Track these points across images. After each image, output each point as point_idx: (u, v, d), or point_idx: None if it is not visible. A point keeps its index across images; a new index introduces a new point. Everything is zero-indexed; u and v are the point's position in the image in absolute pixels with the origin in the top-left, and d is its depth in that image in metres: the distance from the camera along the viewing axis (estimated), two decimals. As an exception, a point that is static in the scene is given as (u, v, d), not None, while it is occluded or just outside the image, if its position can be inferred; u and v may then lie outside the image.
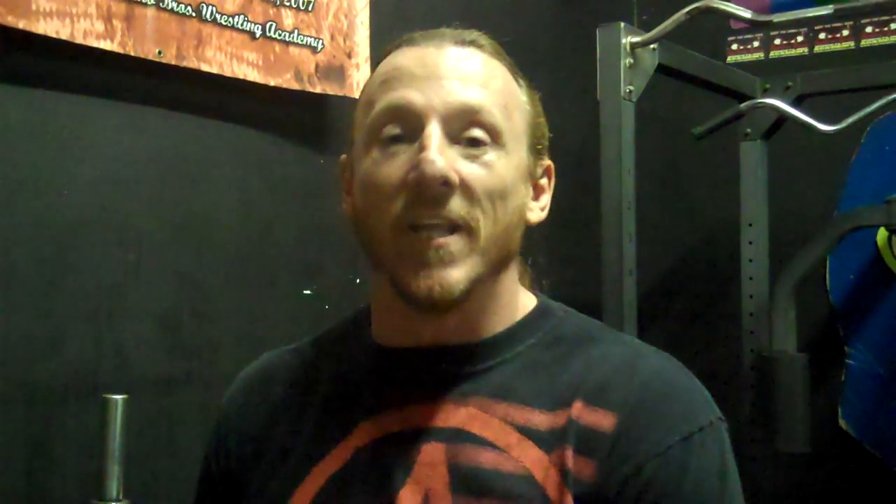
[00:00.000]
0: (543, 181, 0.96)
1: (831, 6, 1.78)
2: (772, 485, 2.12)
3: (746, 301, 2.19)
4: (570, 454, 0.82)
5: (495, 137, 0.87)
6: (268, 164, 1.67)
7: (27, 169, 1.33)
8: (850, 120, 1.92)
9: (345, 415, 0.91)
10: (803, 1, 2.23)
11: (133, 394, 1.30)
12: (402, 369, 0.92)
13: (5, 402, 1.29)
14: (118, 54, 1.40)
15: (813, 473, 2.23)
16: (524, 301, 0.96)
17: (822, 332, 2.28)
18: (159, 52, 1.45)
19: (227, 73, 1.54)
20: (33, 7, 1.29)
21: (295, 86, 1.65)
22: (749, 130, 2.19)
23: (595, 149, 1.79)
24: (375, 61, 0.96)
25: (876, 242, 2.21)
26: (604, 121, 1.77)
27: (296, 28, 1.65)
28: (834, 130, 1.92)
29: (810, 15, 1.92)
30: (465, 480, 0.83)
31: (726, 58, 2.46)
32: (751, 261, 2.20)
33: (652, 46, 1.79)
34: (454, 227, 0.84)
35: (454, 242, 0.83)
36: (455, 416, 0.87)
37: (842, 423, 2.24)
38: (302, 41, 1.66)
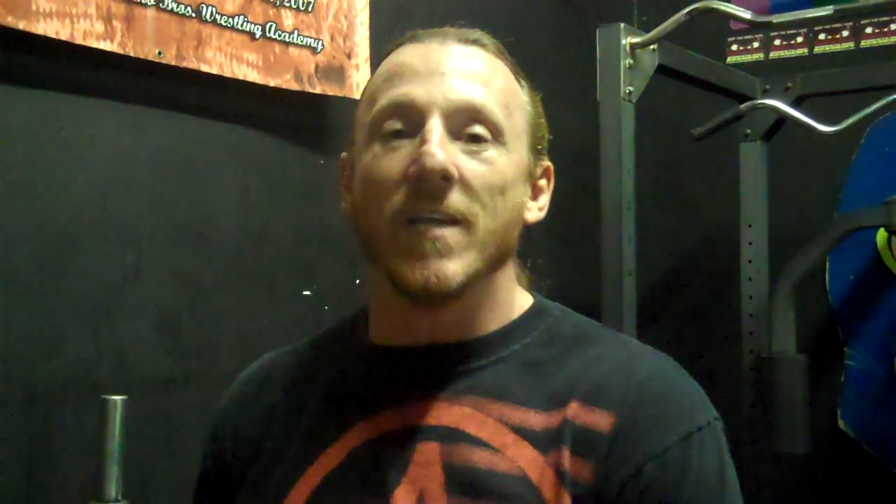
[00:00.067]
0: (542, 182, 0.96)
1: (831, 7, 1.78)
2: (771, 485, 2.12)
3: (746, 302, 2.19)
4: (566, 455, 0.82)
5: (496, 135, 0.87)
6: (267, 164, 1.67)
7: (27, 169, 1.33)
8: (850, 121, 1.93)
9: (341, 414, 0.91)
10: (803, 2, 2.23)
11: (132, 394, 1.30)
12: (397, 368, 0.92)
13: (4, 402, 1.29)
14: (118, 55, 1.40)
15: (812, 474, 2.23)
16: (520, 300, 0.96)
17: (821, 333, 2.29)
18: (159, 53, 1.45)
19: (227, 73, 1.54)
20: (33, 8, 1.29)
21: (295, 86, 1.65)
22: (749, 131, 2.19)
23: (595, 149, 1.79)
24: (375, 62, 0.96)
25: (875, 243, 2.21)
26: (604, 121, 1.77)
27: (295, 29, 1.65)
28: (834, 131, 1.92)
29: (810, 16, 1.93)
30: (460, 480, 0.83)
31: (726, 58, 2.46)
32: (750, 261, 2.20)
33: (652, 47, 1.79)
34: (452, 221, 0.84)
35: (451, 235, 0.83)
36: (450, 414, 0.87)
37: (841, 423, 2.24)
38: (302, 42, 1.66)
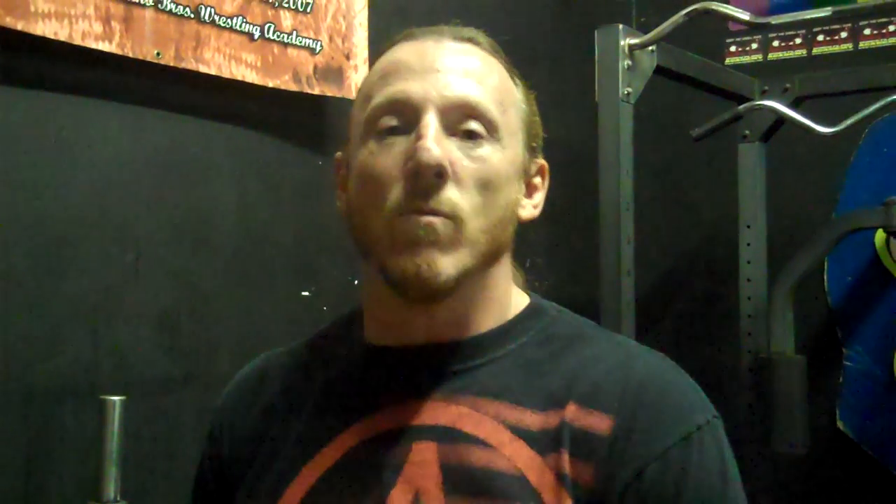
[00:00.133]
0: (537, 180, 0.97)
1: (829, 8, 1.78)
2: (769, 486, 2.12)
3: (744, 303, 2.19)
4: (565, 458, 0.82)
5: (491, 131, 0.88)
6: (266, 165, 1.67)
7: (25, 170, 1.33)
8: (849, 122, 1.93)
9: (336, 414, 0.91)
10: (801, 3, 2.24)
11: (131, 395, 1.30)
12: (393, 368, 0.92)
13: (3, 402, 1.29)
14: (117, 56, 1.40)
15: (811, 475, 2.23)
16: (516, 299, 0.96)
17: (820, 334, 2.29)
18: (158, 54, 1.45)
19: (226, 74, 1.54)
20: (32, 8, 1.29)
21: (293, 87, 1.65)
22: (747, 132, 2.19)
23: (593, 150, 1.79)
24: (374, 63, 0.96)
25: (874, 244, 2.21)
26: (602, 122, 1.77)
27: (294, 29, 1.65)
28: (832, 132, 1.92)
29: (808, 17, 1.93)
30: (458, 480, 0.83)
31: (724, 59, 2.46)
32: (749, 262, 2.20)
33: (650, 48, 1.79)
34: (444, 216, 0.84)
35: (441, 224, 0.83)
36: (446, 414, 0.87)
37: (840, 424, 2.24)
38: (300, 43, 1.66)
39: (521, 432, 0.84)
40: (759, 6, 2.34)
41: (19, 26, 1.28)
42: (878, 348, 2.21)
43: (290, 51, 1.64)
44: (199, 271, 1.55)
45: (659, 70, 1.82)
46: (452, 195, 0.84)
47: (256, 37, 1.59)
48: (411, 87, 0.87)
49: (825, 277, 2.28)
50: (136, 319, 1.45)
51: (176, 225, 1.52)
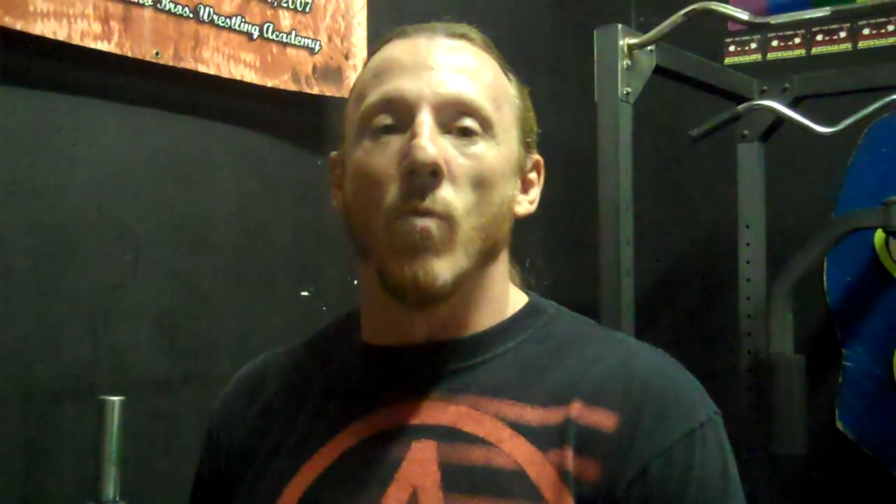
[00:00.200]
0: (533, 175, 0.97)
1: (828, 8, 1.78)
2: (769, 487, 2.12)
3: (744, 303, 2.19)
4: (569, 454, 0.82)
5: (486, 128, 0.87)
6: (265, 165, 1.67)
7: (24, 170, 1.33)
8: (848, 122, 1.93)
9: (335, 414, 0.91)
10: (800, 3, 2.24)
11: (130, 395, 1.30)
12: (391, 367, 0.92)
13: (2, 402, 1.29)
14: (115, 55, 1.40)
15: (810, 475, 2.24)
16: (514, 298, 0.96)
17: (819, 334, 2.29)
18: (156, 53, 1.45)
19: (225, 74, 1.54)
20: (30, 8, 1.29)
21: (292, 87, 1.65)
22: (746, 132, 2.19)
23: (592, 150, 1.79)
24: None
25: (873, 244, 2.22)
26: (601, 122, 1.77)
27: (293, 29, 1.65)
28: (831, 132, 1.92)
29: (808, 17, 1.93)
30: (457, 478, 0.83)
31: (724, 59, 2.46)
32: (748, 263, 2.20)
33: (649, 48, 1.79)
34: (439, 216, 0.84)
35: (435, 226, 0.83)
36: (446, 413, 0.87)
37: (839, 425, 2.24)
38: (299, 42, 1.66)
39: (520, 428, 0.84)
40: (758, 6, 2.34)
41: (18, 26, 1.28)
42: (877, 348, 2.21)
43: (289, 50, 1.64)
44: (198, 271, 1.55)
45: (658, 70, 1.82)
46: (447, 194, 0.84)
47: (255, 36, 1.59)
48: (405, 85, 0.86)
49: (824, 277, 2.28)
50: (136, 319, 1.45)
51: (175, 225, 1.52)
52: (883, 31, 2.26)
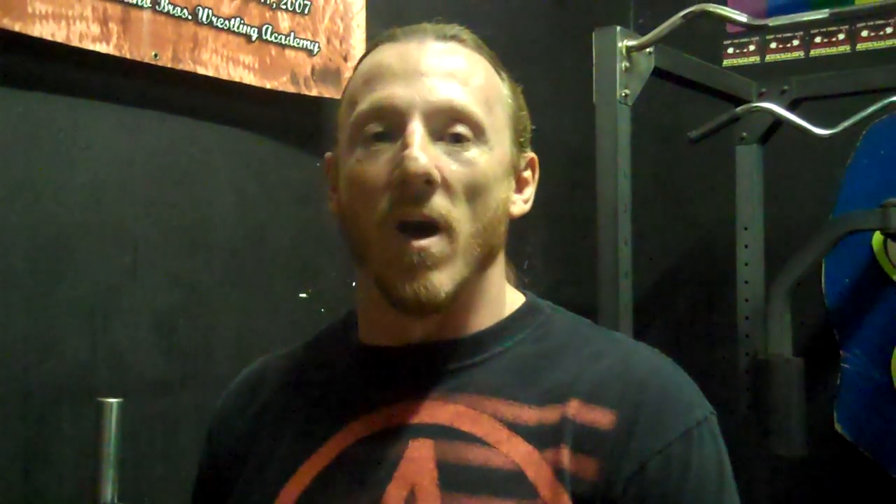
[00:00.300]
0: (527, 174, 0.97)
1: (827, 10, 1.78)
2: (767, 488, 2.12)
3: (742, 304, 2.19)
4: (566, 453, 0.82)
5: (478, 133, 0.87)
6: (264, 166, 1.67)
7: (23, 171, 1.33)
8: (846, 124, 1.93)
9: (333, 415, 0.92)
10: (799, 5, 2.24)
11: (128, 397, 1.30)
12: (388, 368, 0.92)
13: (1, 404, 1.29)
14: (114, 57, 1.40)
15: (808, 477, 2.23)
16: (511, 298, 0.96)
17: (817, 336, 2.29)
18: (155, 55, 1.45)
19: (224, 75, 1.54)
20: (29, 10, 1.29)
21: (291, 89, 1.65)
22: (745, 134, 2.19)
23: (591, 152, 1.79)
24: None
25: (871, 246, 2.22)
26: (600, 124, 1.77)
27: (292, 31, 1.65)
28: (829, 134, 1.92)
29: (806, 19, 1.94)
30: (454, 477, 0.83)
31: (722, 61, 2.46)
32: (746, 264, 2.20)
33: (648, 50, 1.79)
34: (435, 228, 0.84)
35: (435, 244, 0.84)
36: (443, 412, 0.87)
37: (837, 426, 2.24)
38: (298, 44, 1.66)
39: (518, 428, 0.85)
40: (756, 8, 2.34)
41: (17, 27, 1.28)
42: (875, 350, 2.21)
43: (287, 52, 1.64)
44: (197, 273, 1.55)
45: (656, 72, 1.82)
46: (443, 203, 0.84)
47: (254, 38, 1.59)
48: (396, 93, 0.86)
49: (822, 279, 2.28)
50: (134, 321, 1.45)
51: (174, 226, 1.52)
52: (881, 33, 2.26)
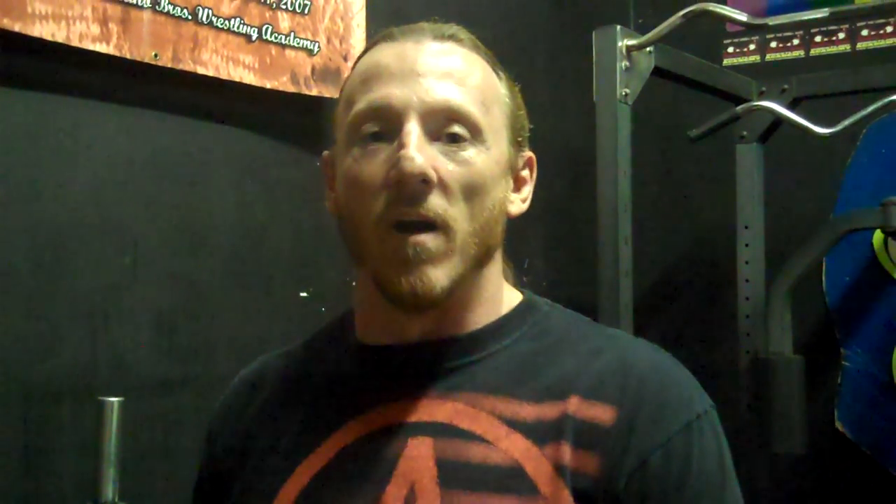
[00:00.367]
0: (525, 173, 0.97)
1: (827, 9, 1.78)
2: (768, 486, 2.12)
3: (742, 303, 2.19)
4: (567, 449, 0.83)
5: (475, 133, 0.88)
6: (264, 166, 1.67)
7: (23, 171, 1.33)
8: (846, 123, 1.93)
9: (331, 414, 0.92)
10: (799, 4, 2.24)
11: (129, 396, 1.30)
12: (386, 366, 0.92)
13: (1, 403, 1.29)
14: (114, 57, 1.40)
15: (809, 475, 2.23)
16: (509, 296, 0.97)
17: (818, 335, 2.29)
18: (155, 55, 1.45)
19: (224, 75, 1.54)
20: (29, 10, 1.29)
21: (291, 88, 1.66)
22: (745, 133, 2.19)
23: (591, 151, 1.79)
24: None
25: (872, 245, 2.22)
26: (600, 123, 1.77)
27: (292, 31, 1.65)
28: (830, 133, 1.92)
29: (806, 18, 1.93)
30: (454, 474, 0.83)
31: (722, 60, 2.46)
32: (747, 263, 2.20)
33: (648, 49, 1.79)
34: (432, 226, 0.84)
35: (431, 240, 0.84)
36: (442, 410, 0.87)
37: (838, 425, 2.24)
38: (298, 44, 1.66)
39: (517, 425, 0.85)
40: (756, 7, 2.34)
41: (17, 28, 1.28)
42: (876, 349, 2.21)
43: (287, 52, 1.64)
44: (197, 272, 1.55)
45: (657, 71, 1.83)
46: (439, 202, 0.85)
47: (254, 38, 1.59)
48: (392, 93, 0.87)
49: (823, 278, 2.28)
50: (134, 321, 1.45)
51: (174, 226, 1.52)
52: (882, 32, 2.26)
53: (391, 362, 0.92)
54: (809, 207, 2.31)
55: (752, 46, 2.44)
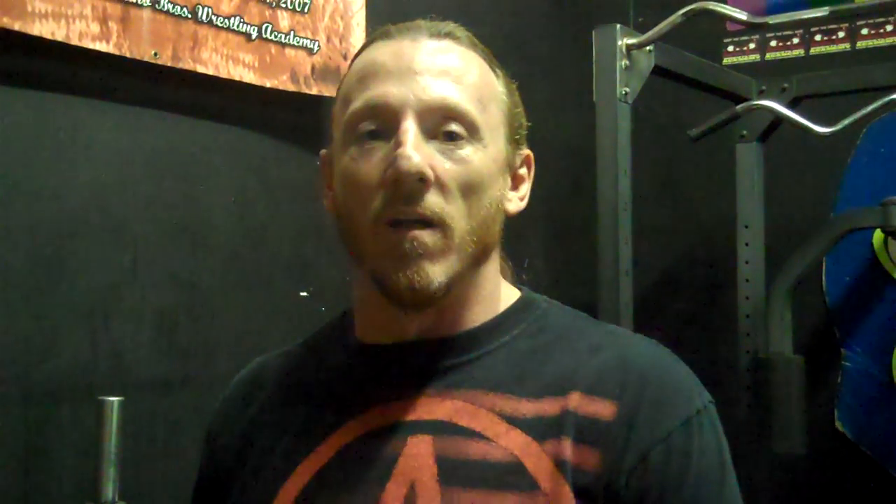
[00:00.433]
0: (523, 171, 0.97)
1: (827, 8, 1.78)
2: (768, 486, 2.12)
3: (742, 303, 2.19)
4: (567, 444, 0.83)
5: (472, 132, 0.88)
6: (264, 165, 1.67)
7: (23, 170, 1.33)
8: (846, 122, 1.93)
9: (330, 413, 0.92)
10: (799, 3, 2.24)
11: (129, 396, 1.30)
12: (385, 365, 0.92)
13: (1, 403, 1.29)
14: (114, 56, 1.40)
15: (809, 475, 2.23)
16: (507, 293, 0.97)
17: (818, 334, 2.28)
18: (155, 54, 1.45)
19: (223, 74, 1.54)
20: (29, 9, 1.29)
21: (291, 87, 1.65)
22: (745, 132, 2.19)
23: (591, 150, 1.79)
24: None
25: (872, 244, 2.22)
26: (600, 122, 1.77)
27: (292, 30, 1.65)
28: (830, 132, 1.92)
29: (806, 17, 1.93)
30: (453, 472, 0.83)
31: (722, 59, 2.46)
32: (747, 263, 2.20)
33: (648, 48, 1.79)
34: (429, 223, 0.84)
35: (428, 235, 0.84)
36: (441, 408, 0.87)
37: (838, 424, 2.24)
38: (298, 43, 1.66)
39: (516, 421, 0.85)
40: (756, 6, 2.34)
41: (16, 26, 1.28)
42: (876, 348, 2.21)
43: (287, 51, 1.64)
44: (197, 272, 1.55)
45: (656, 70, 1.82)
46: (437, 201, 0.85)
47: (254, 37, 1.59)
48: (389, 92, 0.87)
49: (823, 277, 2.28)
50: (134, 320, 1.45)
51: (174, 225, 1.52)
52: (882, 31, 2.26)
53: (390, 361, 0.92)
54: (809, 207, 2.31)
55: (752, 45, 2.44)
